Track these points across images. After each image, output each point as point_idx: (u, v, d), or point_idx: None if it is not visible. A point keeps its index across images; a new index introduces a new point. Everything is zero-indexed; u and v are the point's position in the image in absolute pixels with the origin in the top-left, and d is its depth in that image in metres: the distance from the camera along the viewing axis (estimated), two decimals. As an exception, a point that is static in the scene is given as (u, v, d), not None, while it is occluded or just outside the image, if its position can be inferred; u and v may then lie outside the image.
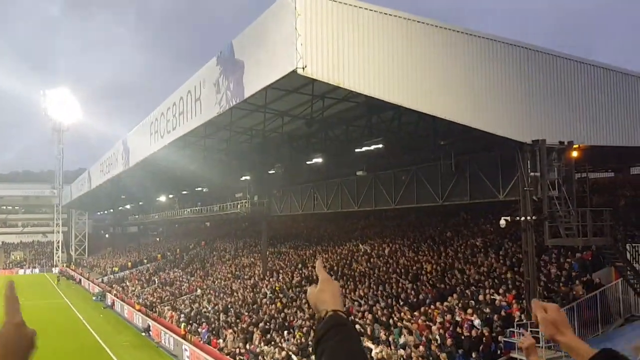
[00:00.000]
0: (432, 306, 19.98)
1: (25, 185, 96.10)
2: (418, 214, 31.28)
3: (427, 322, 18.69)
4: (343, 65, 13.22)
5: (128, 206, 68.87)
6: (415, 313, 19.87)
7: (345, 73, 13.31)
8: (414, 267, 24.90)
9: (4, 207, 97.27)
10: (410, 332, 18.32)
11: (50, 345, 29.94)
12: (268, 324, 25.74)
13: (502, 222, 16.69)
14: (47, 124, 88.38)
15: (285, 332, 23.68)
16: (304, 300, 26.92)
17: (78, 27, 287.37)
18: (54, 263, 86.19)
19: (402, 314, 20.22)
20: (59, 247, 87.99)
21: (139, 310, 37.85)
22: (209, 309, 32.42)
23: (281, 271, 34.62)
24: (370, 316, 21.05)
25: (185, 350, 26.99)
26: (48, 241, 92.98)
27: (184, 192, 47.84)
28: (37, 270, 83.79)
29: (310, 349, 20.39)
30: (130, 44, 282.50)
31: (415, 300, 21.33)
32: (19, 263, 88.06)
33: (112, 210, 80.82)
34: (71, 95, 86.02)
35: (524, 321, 15.37)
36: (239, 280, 37.26)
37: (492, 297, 18.42)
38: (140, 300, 41.16)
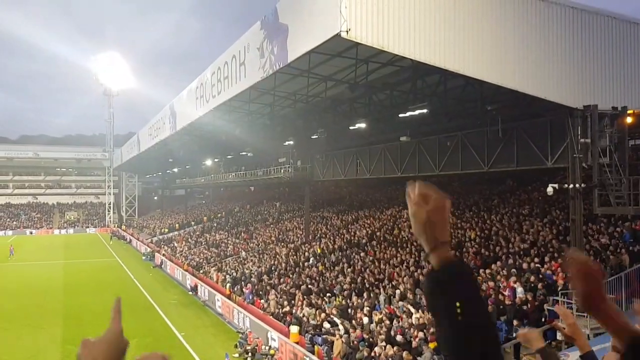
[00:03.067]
0: (476, 274, 19.87)
1: (78, 148, 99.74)
2: (462, 180, 30.86)
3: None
4: (388, 28, 12.97)
5: (175, 169, 70.63)
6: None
7: (390, 36, 13.06)
8: (457, 234, 24.74)
9: (58, 169, 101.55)
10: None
11: (102, 301, 31.52)
12: (310, 286, 26.27)
13: (550, 189, 16.28)
14: (98, 88, 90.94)
15: (327, 295, 24.14)
16: (345, 265, 27.29)
17: None
18: (106, 223, 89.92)
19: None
20: (110, 208, 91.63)
21: (186, 270, 39.21)
22: (253, 270, 33.29)
23: (323, 235, 35.05)
24: (411, 281, 21.15)
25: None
26: (100, 202, 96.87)
27: (229, 157, 48.60)
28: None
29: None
30: (183, 9, 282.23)
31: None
32: (73, 223, 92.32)
33: (160, 173, 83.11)
34: (121, 60, 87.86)
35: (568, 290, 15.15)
36: (282, 244, 37.97)
37: (536, 265, 18.19)
38: (188, 261, 42.59)
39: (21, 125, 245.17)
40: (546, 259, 18.20)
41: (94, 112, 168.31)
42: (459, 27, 13.75)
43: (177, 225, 66.12)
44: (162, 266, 45.94)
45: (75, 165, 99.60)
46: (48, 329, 25.18)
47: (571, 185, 15.27)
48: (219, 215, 63.00)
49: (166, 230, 65.57)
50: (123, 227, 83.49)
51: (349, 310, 21.45)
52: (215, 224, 58.60)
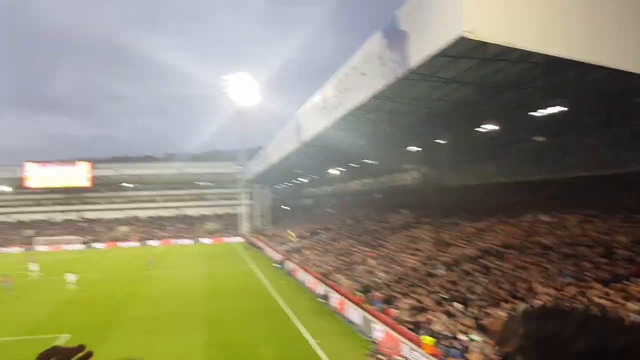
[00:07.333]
0: (628, 282, 17.94)
1: (215, 164, 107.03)
2: (610, 181, 28.12)
3: (624, 300, 16.84)
4: (516, 24, 12.15)
5: (303, 180, 72.86)
6: (609, 290, 18.01)
7: (519, 32, 12.22)
8: (607, 240, 22.52)
9: (199, 184, 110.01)
10: (603, 310, 16.68)
11: (240, 307, 33.27)
12: (442, 295, 25.44)
13: None
14: (231, 107, 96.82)
15: (459, 305, 23.20)
16: (479, 274, 26.05)
17: (272, 12, 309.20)
18: (241, 233, 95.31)
19: (593, 290, 18.49)
20: (244, 219, 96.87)
21: (317, 278, 40.02)
22: (383, 278, 33.08)
23: (454, 243, 33.87)
24: (553, 292, 19.60)
25: (368, 321, 28.31)
26: (236, 213, 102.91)
27: (354, 165, 49.05)
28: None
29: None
30: (318, 25, 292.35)
31: (609, 276, 19.33)
32: (213, 233, 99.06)
33: (289, 184, 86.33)
34: (252, 78, 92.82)
35: None
36: (412, 251, 37.32)
37: None
38: (318, 269, 43.47)
39: (166, 144, 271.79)
40: None
41: (228, 129, 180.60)
42: (598, 14, 12.51)
43: (306, 233, 67.97)
44: (293, 274, 47.40)
45: (214, 179, 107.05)
46: (191, 334, 26.99)
47: None
48: (347, 223, 63.68)
49: (296, 238, 67.70)
50: (256, 236, 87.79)
51: (486, 322, 20.40)
52: (342, 232, 59.33)
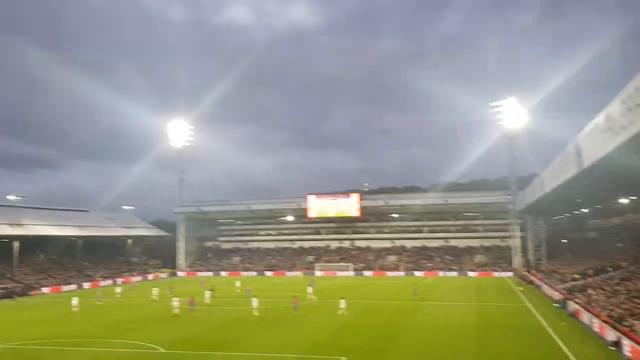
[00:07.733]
0: None
1: (482, 193, 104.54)
2: None
3: None
4: None
5: (584, 210, 65.59)
6: None
7: None
8: None
9: (466, 214, 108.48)
10: None
11: (515, 348, 31.01)
12: None
13: None
14: (498, 133, 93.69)
15: None
16: None
17: (541, 28, 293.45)
18: (512, 267, 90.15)
19: None
20: (516, 252, 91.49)
21: (606, 322, 35.12)
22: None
23: None
24: None
25: None
26: (506, 246, 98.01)
27: (649, 192, 42.18)
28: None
29: None
30: (601, 38, 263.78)
31: None
32: (482, 266, 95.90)
33: (567, 215, 78.72)
34: (520, 102, 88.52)
35: None
36: None
37: None
38: (607, 312, 38.16)
39: (431, 174, 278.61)
40: None
41: (495, 157, 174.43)
42: None
43: (590, 270, 60.66)
44: (577, 316, 42.55)
45: (481, 209, 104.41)
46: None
47: None
48: (641, 260, 54.76)
49: (578, 276, 60.95)
50: (530, 271, 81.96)
51: None
52: (637, 270, 51.14)
